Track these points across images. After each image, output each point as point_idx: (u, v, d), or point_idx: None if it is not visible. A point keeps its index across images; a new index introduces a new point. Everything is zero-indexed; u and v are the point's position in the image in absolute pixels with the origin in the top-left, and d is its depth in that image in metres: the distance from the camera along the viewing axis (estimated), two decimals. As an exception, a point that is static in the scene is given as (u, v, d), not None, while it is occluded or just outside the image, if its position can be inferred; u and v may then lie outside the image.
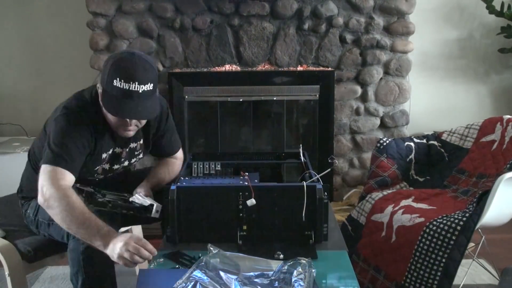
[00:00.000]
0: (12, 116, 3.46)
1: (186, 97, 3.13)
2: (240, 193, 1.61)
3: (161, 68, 3.14)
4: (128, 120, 1.60)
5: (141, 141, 1.84)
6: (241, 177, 1.82)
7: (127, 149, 1.79)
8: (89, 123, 1.62)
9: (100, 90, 1.58)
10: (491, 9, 3.22)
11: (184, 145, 3.22)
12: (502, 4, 3.20)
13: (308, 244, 1.60)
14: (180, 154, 2.00)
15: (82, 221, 1.45)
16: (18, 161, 2.01)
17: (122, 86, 1.50)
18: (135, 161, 1.87)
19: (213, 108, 3.22)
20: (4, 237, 1.73)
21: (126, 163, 1.83)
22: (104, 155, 1.72)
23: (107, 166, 1.76)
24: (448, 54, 3.49)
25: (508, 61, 3.49)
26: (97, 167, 1.73)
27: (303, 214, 1.59)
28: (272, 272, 1.30)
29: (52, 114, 1.66)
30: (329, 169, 2.05)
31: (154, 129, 1.83)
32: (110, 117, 1.60)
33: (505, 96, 3.55)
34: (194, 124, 3.28)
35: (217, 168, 1.99)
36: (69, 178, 1.56)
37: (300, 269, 1.27)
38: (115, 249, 1.37)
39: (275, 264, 1.34)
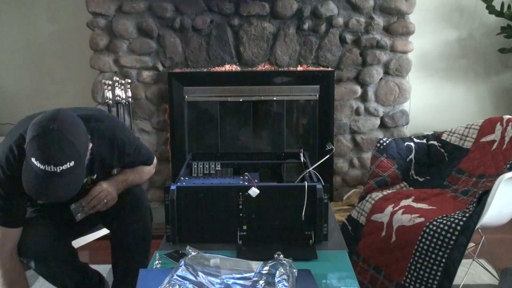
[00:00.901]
0: (12, 116, 3.45)
1: (186, 97, 3.13)
2: (240, 193, 1.61)
3: (161, 68, 3.14)
4: None
5: (94, 176, 1.76)
6: (242, 177, 1.82)
7: None
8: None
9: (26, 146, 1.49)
10: (491, 9, 3.22)
11: (184, 145, 3.22)
12: (502, 4, 3.20)
13: (308, 244, 1.60)
14: (154, 163, 2.02)
15: None
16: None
17: (39, 166, 1.42)
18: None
19: (213, 108, 3.22)
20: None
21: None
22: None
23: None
24: (448, 54, 3.49)
25: (508, 61, 3.49)
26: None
27: (303, 214, 1.59)
28: (253, 274, 1.29)
29: None
30: (327, 156, 2.03)
31: (116, 165, 1.80)
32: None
33: (505, 96, 3.55)
34: (194, 124, 3.28)
35: (217, 168, 1.99)
36: (12, 236, 1.63)
37: (282, 270, 1.27)
38: None
39: (255, 266, 1.33)
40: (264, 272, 1.28)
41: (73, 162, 1.46)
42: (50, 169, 1.42)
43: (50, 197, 1.50)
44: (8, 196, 1.58)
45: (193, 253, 1.34)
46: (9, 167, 1.56)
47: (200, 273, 1.25)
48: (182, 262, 1.29)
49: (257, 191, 1.58)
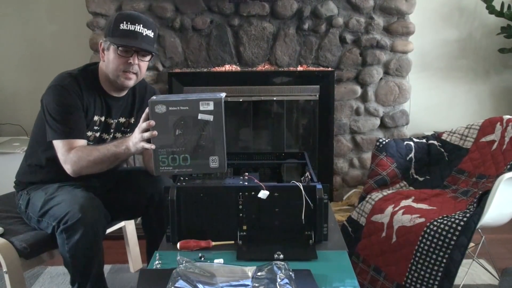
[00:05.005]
0: (12, 116, 3.46)
1: (186, 97, 3.12)
2: (240, 193, 1.61)
3: (161, 68, 3.14)
4: (131, 61, 1.72)
5: (132, 120, 1.91)
6: (242, 177, 1.82)
7: (117, 121, 1.88)
8: (79, 85, 1.75)
9: (103, 41, 1.75)
10: (491, 9, 3.22)
11: (184, 145, 3.22)
12: (502, 4, 3.20)
13: (308, 244, 1.60)
14: None
15: (104, 155, 1.67)
16: (18, 161, 2.01)
17: (128, 28, 1.69)
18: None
19: (213, 108, 3.22)
20: (1, 235, 1.74)
21: (116, 134, 1.91)
22: (96, 118, 1.81)
23: (97, 134, 1.84)
24: (448, 54, 3.49)
25: (508, 61, 3.49)
26: (90, 133, 1.81)
27: (303, 216, 1.59)
28: (249, 280, 1.29)
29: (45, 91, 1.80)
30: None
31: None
32: (113, 61, 1.72)
33: (505, 96, 3.55)
34: (194, 124, 3.27)
35: (217, 168, 1.99)
36: (80, 143, 1.72)
37: (283, 273, 1.27)
38: (133, 143, 1.61)
39: (249, 271, 1.33)
40: (261, 276, 1.28)
41: (153, 34, 1.76)
42: (139, 29, 1.70)
43: (136, 43, 1.69)
44: (69, 111, 1.70)
45: (185, 263, 1.34)
46: (67, 84, 1.72)
47: (198, 284, 1.25)
48: (177, 274, 1.28)
49: (267, 192, 1.58)
